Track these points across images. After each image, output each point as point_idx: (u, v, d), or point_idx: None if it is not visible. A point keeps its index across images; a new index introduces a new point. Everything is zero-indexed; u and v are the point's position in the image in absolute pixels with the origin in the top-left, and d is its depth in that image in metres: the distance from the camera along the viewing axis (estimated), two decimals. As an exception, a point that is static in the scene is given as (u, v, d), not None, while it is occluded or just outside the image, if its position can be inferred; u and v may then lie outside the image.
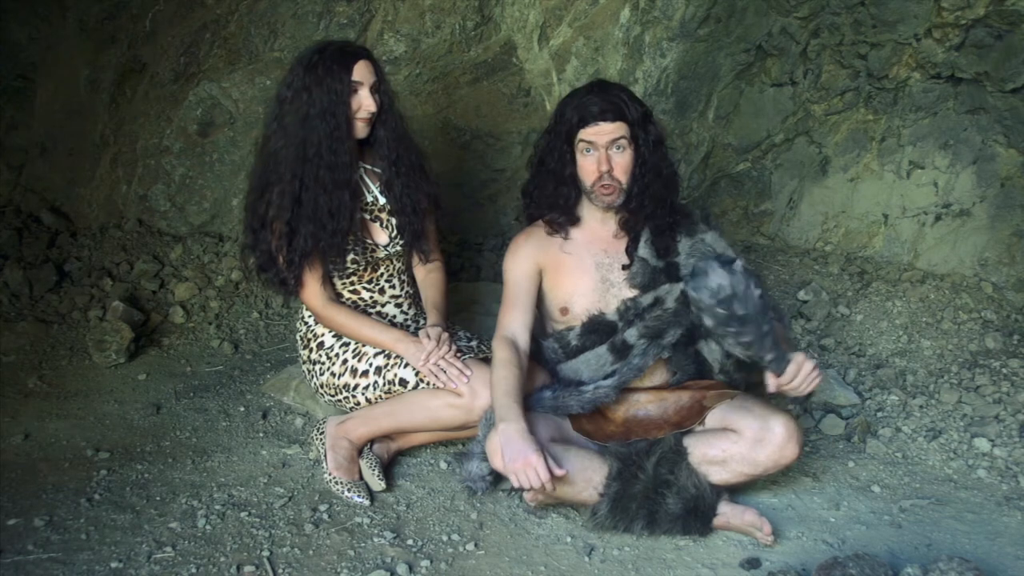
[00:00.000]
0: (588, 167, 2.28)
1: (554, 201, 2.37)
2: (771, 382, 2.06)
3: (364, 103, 2.32)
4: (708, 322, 2.01)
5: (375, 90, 2.34)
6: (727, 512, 2.14)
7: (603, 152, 2.25)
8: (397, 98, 2.47)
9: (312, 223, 2.31)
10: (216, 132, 3.64)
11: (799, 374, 2.00)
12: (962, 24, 3.19)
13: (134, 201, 3.77)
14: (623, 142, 2.26)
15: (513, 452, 2.01)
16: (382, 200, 2.48)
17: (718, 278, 1.92)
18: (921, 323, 3.22)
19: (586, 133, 2.25)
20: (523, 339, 2.30)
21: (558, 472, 2.02)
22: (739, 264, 1.94)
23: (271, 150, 2.35)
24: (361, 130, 2.36)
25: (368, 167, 2.48)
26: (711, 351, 2.33)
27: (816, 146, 3.76)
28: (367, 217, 2.45)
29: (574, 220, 2.38)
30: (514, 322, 2.32)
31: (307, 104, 2.28)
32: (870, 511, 2.27)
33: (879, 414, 2.78)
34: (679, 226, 2.38)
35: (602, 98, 2.26)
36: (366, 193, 2.46)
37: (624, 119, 2.25)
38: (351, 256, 2.40)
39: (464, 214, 3.73)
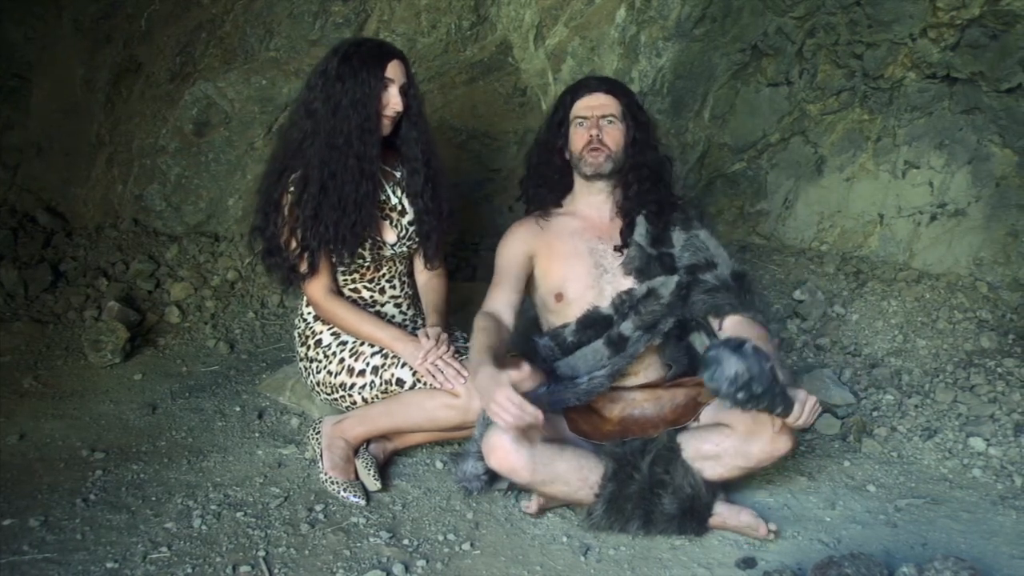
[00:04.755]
0: (579, 136, 2.39)
1: (543, 177, 2.47)
2: (779, 423, 2.07)
3: (392, 101, 2.34)
4: (726, 403, 1.99)
5: (404, 91, 2.36)
6: (723, 512, 2.14)
7: (594, 120, 2.36)
8: (425, 103, 2.50)
9: (336, 211, 2.32)
10: (212, 132, 3.63)
11: (804, 412, 2.01)
12: (957, 24, 3.19)
13: (130, 201, 3.77)
14: (613, 118, 2.37)
15: (488, 391, 1.94)
16: (394, 199, 2.48)
17: (734, 366, 1.90)
18: (916, 323, 3.23)
19: (579, 106, 2.39)
20: (507, 317, 2.30)
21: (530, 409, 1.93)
22: (749, 345, 1.92)
23: (294, 135, 2.37)
24: (385, 128, 2.38)
25: (386, 168, 2.48)
26: (703, 343, 2.36)
27: (812, 146, 3.77)
28: (378, 215, 2.45)
29: (560, 196, 2.48)
30: (498, 300, 2.33)
31: (339, 93, 2.30)
32: (866, 510, 2.28)
33: (875, 413, 2.78)
34: (675, 218, 2.40)
35: (595, 77, 2.53)
36: (380, 191, 2.47)
37: (616, 96, 2.38)
38: (360, 250, 2.41)
39: (460, 214, 3.72)
